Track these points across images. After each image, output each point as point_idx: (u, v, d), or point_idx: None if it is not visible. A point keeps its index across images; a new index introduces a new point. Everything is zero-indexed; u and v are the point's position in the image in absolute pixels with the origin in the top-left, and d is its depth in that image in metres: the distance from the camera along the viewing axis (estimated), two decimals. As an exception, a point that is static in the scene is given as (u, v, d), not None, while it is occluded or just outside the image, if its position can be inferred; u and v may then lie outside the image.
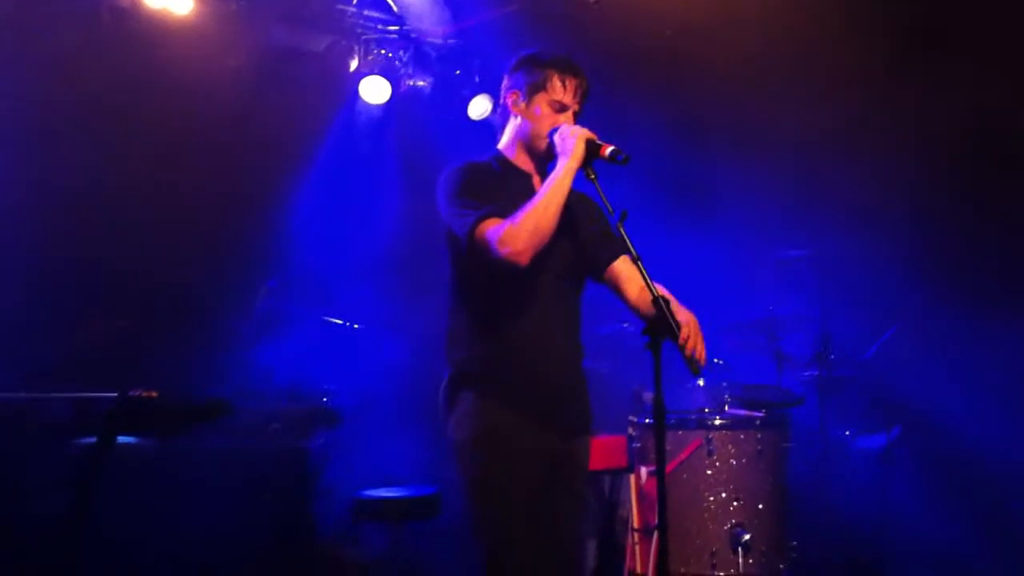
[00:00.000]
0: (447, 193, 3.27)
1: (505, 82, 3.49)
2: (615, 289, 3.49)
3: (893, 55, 5.91)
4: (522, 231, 3.06)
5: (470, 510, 3.23)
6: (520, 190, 3.29)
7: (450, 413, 3.32)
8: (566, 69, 3.37)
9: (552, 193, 3.14)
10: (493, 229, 3.09)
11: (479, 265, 3.21)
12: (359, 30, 6.71)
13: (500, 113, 3.52)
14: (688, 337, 3.04)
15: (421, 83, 7.00)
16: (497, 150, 3.50)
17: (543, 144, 3.35)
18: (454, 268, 3.39)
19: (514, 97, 3.42)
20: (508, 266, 3.08)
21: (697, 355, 3.05)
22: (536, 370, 3.28)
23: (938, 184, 6.12)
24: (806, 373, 6.03)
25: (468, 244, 3.15)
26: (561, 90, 3.34)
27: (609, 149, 3.18)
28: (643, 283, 3.24)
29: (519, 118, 3.42)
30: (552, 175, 3.19)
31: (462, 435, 3.25)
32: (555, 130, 3.30)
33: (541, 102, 3.36)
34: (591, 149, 3.20)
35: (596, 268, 3.49)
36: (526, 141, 3.41)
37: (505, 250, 3.05)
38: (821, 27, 5.87)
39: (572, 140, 3.19)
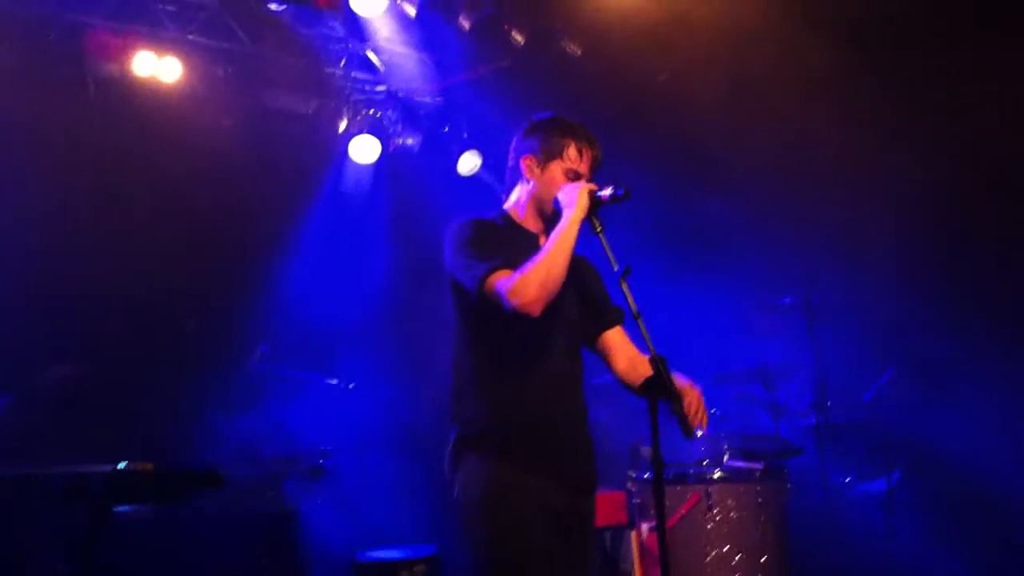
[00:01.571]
0: (454, 246, 3.29)
1: (516, 143, 3.52)
2: (604, 358, 3.54)
3: (890, 93, 5.99)
4: (532, 282, 3.08)
5: (480, 570, 3.20)
6: (526, 247, 3.30)
7: (456, 473, 3.30)
8: (583, 139, 3.41)
9: (560, 244, 3.16)
10: (503, 281, 3.11)
11: (486, 319, 3.23)
12: (347, 91, 6.78)
13: (509, 174, 3.55)
14: (691, 404, 3.07)
15: (410, 141, 7.04)
16: (504, 209, 3.53)
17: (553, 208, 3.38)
18: (459, 323, 3.38)
19: (529, 162, 3.45)
20: (519, 317, 3.09)
21: (700, 423, 3.08)
22: (544, 428, 3.28)
23: (928, 220, 6.14)
24: (804, 421, 6.01)
25: (478, 296, 3.16)
26: (577, 159, 3.38)
27: (608, 191, 3.23)
28: (632, 354, 3.39)
29: (532, 183, 3.45)
30: (558, 227, 3.22)
31: (469, 496, 3.23)
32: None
33: (556, 169, 3.39)
34: (593, 200, 3.24)
35: (590, 335, 3.51)
36: (537, 204, 3.44)
37: (516, 301, 3.06)
38: (809, 69, 5.94)
39: (574, 193, 3.24)
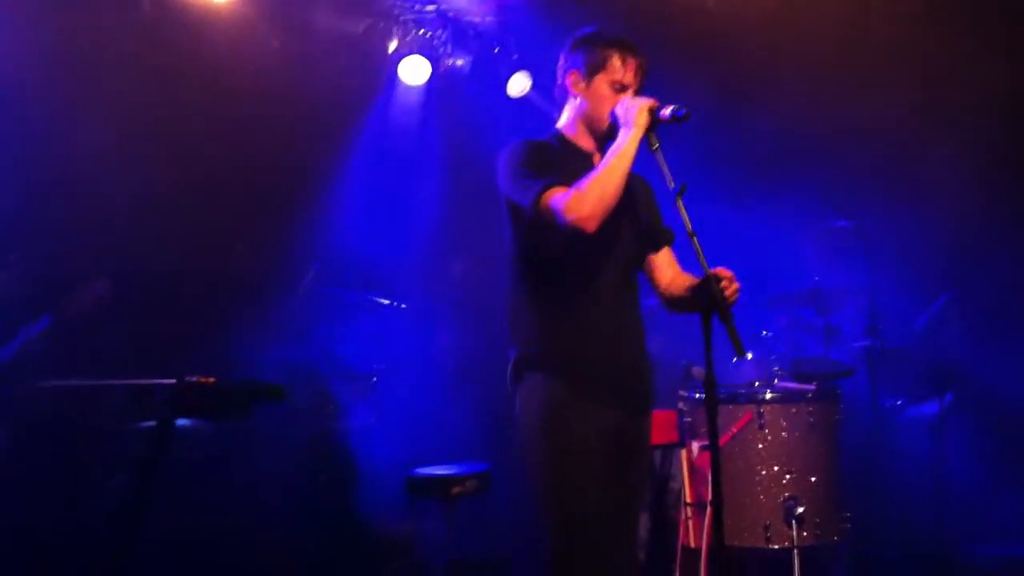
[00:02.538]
0: (509, 167, 3.29)
1: (562, 62, 3.51)
2: (648, 274, 3.58)
3: (942, 24, 5.83)
4: (588, 197, 3.08)
5: (539, 488, 3.25)
6: (581, 167, 3.29)
7: (516, 393, 3.35)
8: (626, 49, 3.38)
9: (617, 161, 3.16)
10: (558, 197, 3.11)
11: (542, 241, 3.25)
12: (396, 11, 6.72)
13: (558, 92, 3.54)
14: (724, 281, 3.07)
15: (460, 62, 6.99)
16: (557, 129, 3.52)
17: (604, 124, 3.38)
18: (515, 246, 3.40)
19: (574, 77, 3.44)
20: (575, 232, 3.09)
21: (729, 294, 3.08)
22: (603, 349, 3.31)
23: (988, 148, 6.02)
24: (856, 344, 5.98)
25: (533, 214, 3.16)
26: (621, 70, 3.36)
27: (669, 110, 3.20)
28: (675, 272, 3.45)
29: (579, 98, 3.44)
30: (616, 144, 3.21)
31: (529, 413, 3.28)
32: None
33: (601, 82, 3.38)
34: (652, 118, 3.21)
35: (640, 255, 3.54)
36: (587, 121, 3.44)
37: (572, 216, 3.06)
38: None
39: (634, 110, 3.21)
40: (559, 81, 3.52)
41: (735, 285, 3.12)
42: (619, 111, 3.28)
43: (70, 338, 5.08)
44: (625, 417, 3.34)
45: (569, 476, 3.22)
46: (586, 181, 3.12)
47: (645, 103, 3.23)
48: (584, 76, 3.40)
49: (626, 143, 3.18)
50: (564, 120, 3.52)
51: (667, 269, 3.54)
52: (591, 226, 3.08)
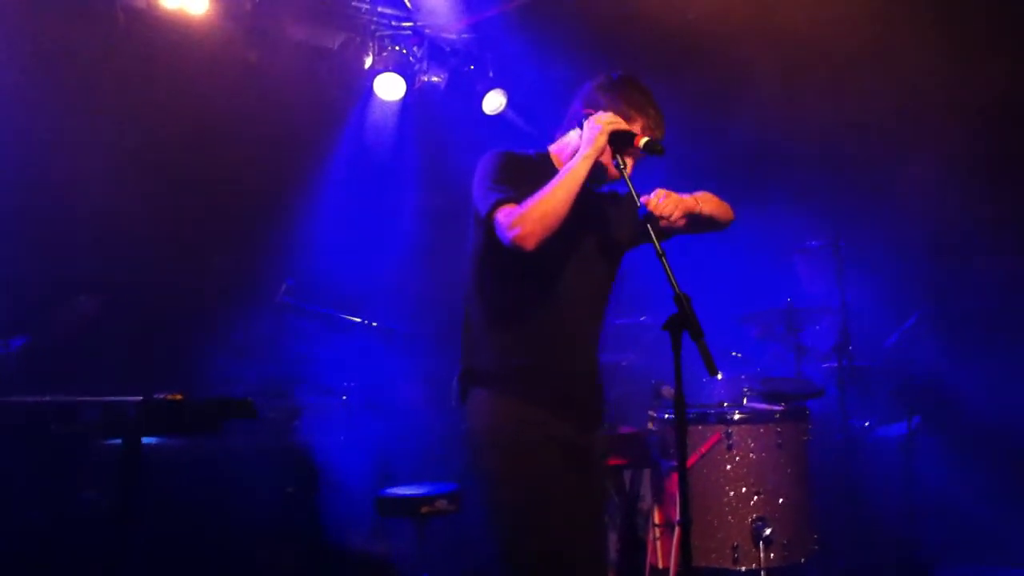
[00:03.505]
0: (482, 174, 3.26)
1: (588, 90, 3.41)
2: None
3: (914, 34, 5.88)
4: (530, 216, 3.05)
5: (487, 501, 3.23)
6: None
7: (463, 406, 3.33)
8: (653, 120, 3.31)
9: (565, 181, 3.12)
10: (507, 211, 3.09)
11: (501, 252, 3.19)
12: (373, 27, 6.73)
13: (569, 116, 3.43)
14: (658, 197, 3.10)
15: (436, 79, 7.00)
16: (546, 149, 3.47)
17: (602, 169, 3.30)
18: (475, 254, 3.36)
19: (591, 115, 3.31)
20: (515, 249, 3.07)
21: (664, 211, 3.10)
22: (550, 362, 3.29)
23: (958, 168, 6.07)
24: (826, 364, 6.01)
25: (486, 223, 3.15)
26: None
27: (644, 140, 3.17)
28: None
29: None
30: (569, 163, 3.18)
31: (477, 429, 3.26)
32: (587, 114, 3.28)
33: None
34: (622, 139, 3.19)
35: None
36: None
37: (512, 232, 3.04)
38: (840, 9, 5.84)
39: (595, 131, 3.18)
40: (574, 106, 3.42)
41: (671, 198, 3.13)
42: (585, 124, 3.24)
43: (44, 356, 5.03)
44: (575, 431, 3.31)
45: (514, 486, 3.19)
46: (531, 200, 3.08)
47: (610, 125, 3.19)
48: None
49: (577, 164, 3.14)
50: (561, 142, 3.45)
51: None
52: (530, 244, 3.04)
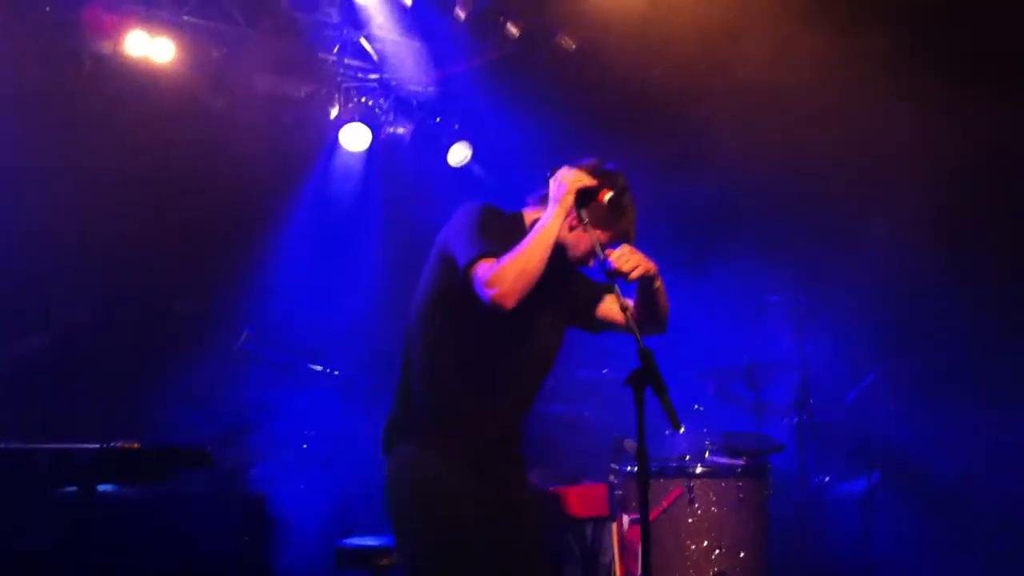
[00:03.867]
0: (463, 223, 3.23)
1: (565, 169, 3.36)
2: (610, 326, 3.50)
3: (872, 93, 6.00)
4: (507, 274, 3.03)
5: (407, 555, 3.21)
6: None
7: (387, 457, 3.31)
8: (630, 226, 3.34)
9: (539, 238, 3.12)
10: (484, 267, 3.06)
11: (460, 300, 3.17)
12: (339, 78, 6.77)
13: (549, 185, 3.34)
14: (623, 254, 3.11)
15: (401, 130, 7.05)
16: (521, 213, 3.46)
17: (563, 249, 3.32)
18: (429, 300, 3.31)
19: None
20: (492, 307, 3.05)
21: (625, 266, 3.10)
22: (484, 424, 3.29)
23: (918, 223, 6.15)
24: (786, 420, 6.05)
25: (463, 276, 3.11)
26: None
27: (608, 195, 3.20)
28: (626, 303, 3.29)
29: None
30: (540, 221, 3.19)
31: (400, 482, 3.25)
32: (552, 170, 3.29)
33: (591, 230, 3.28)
34: (587, 195, 3.22)
35: (586, 314, 3.50)
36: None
37: (491, 290, 3.02)
38: (801, 69, 5.95)
39: (563, 189, 3.20)
40: (550, 175, 3.35)
41: (636, 255, 3.13)
42: (552, 181, 3.26)
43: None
44: (495, 495, 3.30)
45: (436, 544, 3.18)
46: (507, 257, 3.07)
47: (577, 183, 3.21)
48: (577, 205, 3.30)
49: (549, 221, 3.16)
50: (534, 209, 3.41)
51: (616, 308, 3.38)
52: (508, 303, 3.03)
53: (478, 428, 3.28)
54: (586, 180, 3.23)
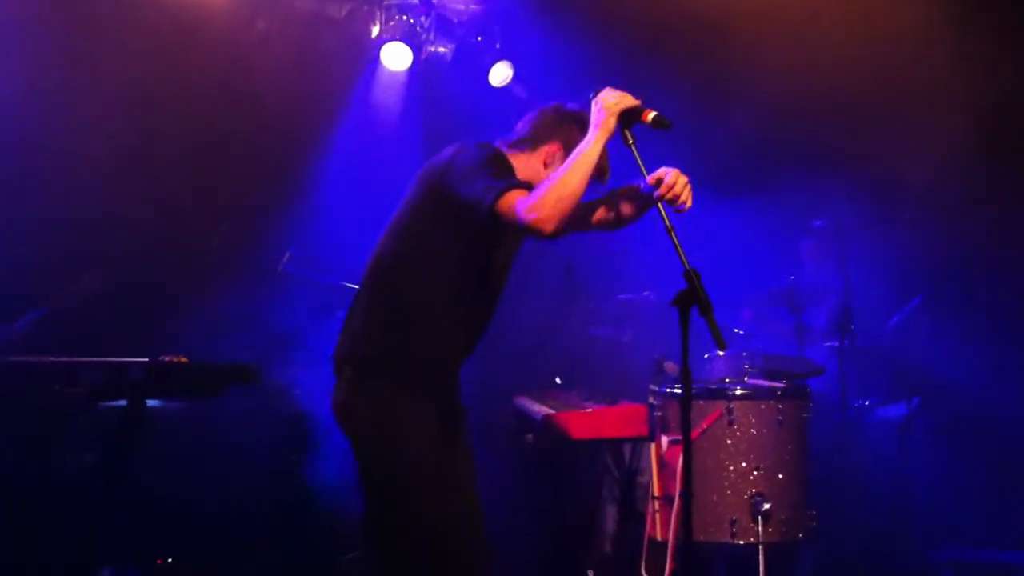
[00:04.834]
0: (471, 163, 3.24)
1: (550, 118, 3.53)
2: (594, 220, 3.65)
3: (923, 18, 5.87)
4: (548, 199, 3.06)
5: (389, 476, 3.31)
6: None
7: (353, 386, 3.42)
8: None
9: (580, 162, 3.15)
10: (521, 199, 3.08)
11: (458, 242, 3.28)
12: (380, -5, 6.69)
13: (530, 136, 3.52)
14: (672, 182, 3.16)
15: (442, 49, 6.97)
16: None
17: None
18: (423, 240, 3.36)
19: (554, 150, 3.48)
20: (532, 234, 3.11)
21: (682, 197, 3.17)
22: (451, 359, 3.48)
23: (965, 152, 6.05)
24: (827, 343, 6.03)
25: (488, 214, 3.12)
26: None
27: (652, 115, 3.20)
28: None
29: (541, 156, 3.50)
30: (580, 145, 3.20)
31: (373, 418, 3.35)
32: (595, 92, 3.29)
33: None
34: (631, 115, 3.21)
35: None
36: (530, 172, 3.44)
37: (531, 216, 3.04)
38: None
39: (604, 114, 3.20)
40: (531, 130, 3.50)
41: (682, 179, 3.18)
42: (593, 105, 3.25)
43: (49, 326, 5.06)
44: (454, 417, 3.47)
45: (432, 468, 3.29)
46: (546, 183, 3.11)
47: (617, 106, 3.20)
48: (563, 158, 3.38)
49: (589, 147, 3.18)
50: (517, 154, 3.48)
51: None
52: (548, 227, 3.06)
53: (445, 368, 3.46)
54: (629, 101, 3.22)
